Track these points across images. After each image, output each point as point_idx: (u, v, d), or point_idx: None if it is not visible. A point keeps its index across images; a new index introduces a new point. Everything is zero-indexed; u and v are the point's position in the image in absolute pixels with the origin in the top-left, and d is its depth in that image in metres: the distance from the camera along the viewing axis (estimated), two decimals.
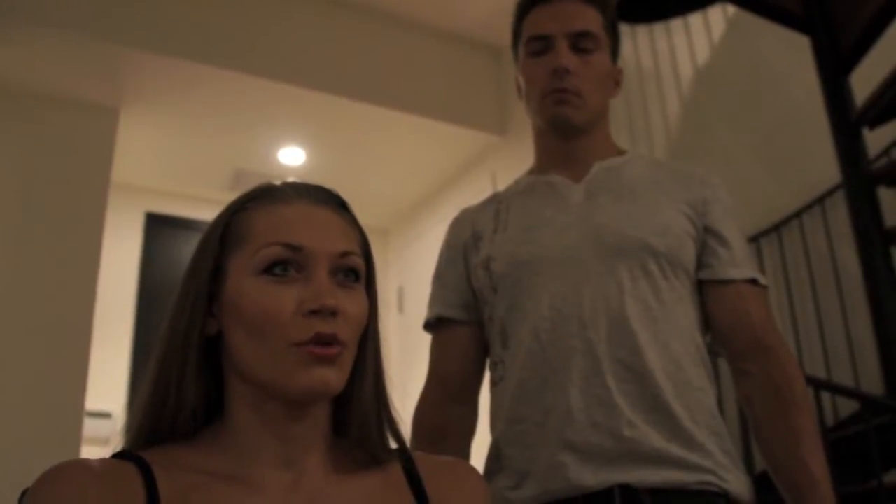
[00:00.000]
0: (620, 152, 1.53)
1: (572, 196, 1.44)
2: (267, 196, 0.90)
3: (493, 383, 1.43)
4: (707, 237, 1.40)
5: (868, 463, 2.65)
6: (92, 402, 3.82)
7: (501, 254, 1.42)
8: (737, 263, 1.39)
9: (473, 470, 0.99)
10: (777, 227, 3.94)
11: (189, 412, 0.85)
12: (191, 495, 0.80)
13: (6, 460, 3.24)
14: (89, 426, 3.78)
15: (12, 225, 3.81)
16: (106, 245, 4.03)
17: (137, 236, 5.14)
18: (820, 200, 3.74)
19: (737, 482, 1.28)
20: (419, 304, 2.70)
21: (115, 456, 0.84)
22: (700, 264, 1.40)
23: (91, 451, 3.05)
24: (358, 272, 0.89)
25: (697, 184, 1.44)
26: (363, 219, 0.96)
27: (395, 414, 0.94)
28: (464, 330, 1.49)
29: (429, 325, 1.54)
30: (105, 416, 4.38)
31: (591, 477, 1.24)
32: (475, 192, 3.96)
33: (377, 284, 0.96)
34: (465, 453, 1.45)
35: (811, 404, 1.38)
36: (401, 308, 5.30)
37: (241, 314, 0.84)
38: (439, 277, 1.55)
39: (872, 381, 3.20)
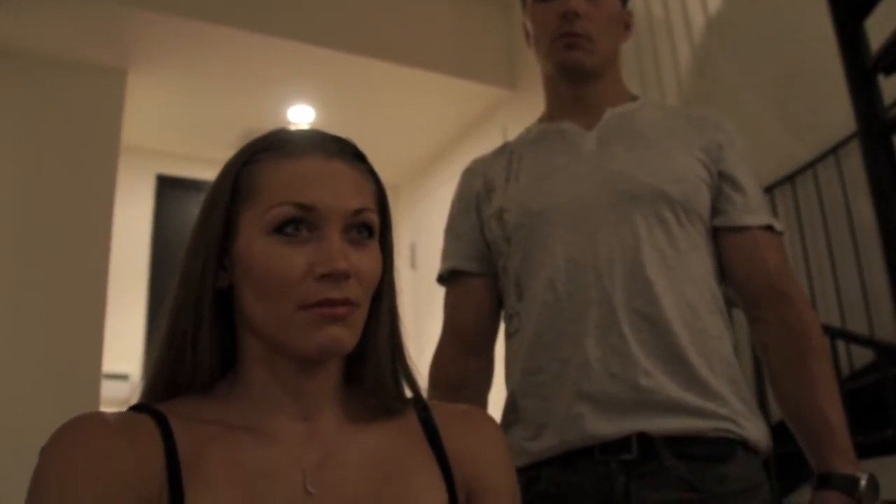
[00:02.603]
0: (632, 98, 1.50)
1: (584, 144, 1.42)
2: (278, 148, 0.87)
3: (509, 335, 1.43)
4: (721, 183, 1.38)
5: (884, 413, 2.65)
6: (109, 364, 3.85)
7: (514, 205, 1.40)
8: (752, 209, 1.37)
9: (489, 417, 0.99)
10: (791, 178, 3.90)
11: (206, 367, 0.85)
12: (207, 445, 0.80)
13: (25, 423, 3.26)
14: (107, 388, 3.81)
15: (23, 189, 3.81)
16: (118, 208, 4.03)
17: (149, 199, 5.16)
18: (834, 150, 3.69)
19: (754, 429, 1.28)
20: (431, 260, 2.70)
21: (132, 409, 0.84)
22: (715, 211, 1.38)
23: None
24: (372, 228, 0.87)
25: (711, 129, 1.41)
26: None
27: (410, 363, 0.94)
28: (478, 282, 1.48)
29: (442, 279, 1.52)
30: (122, 377, 4.42)
31: (607, 426, 1.24)
32: (486, 147, 3.91)
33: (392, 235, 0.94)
34: (482, 405, 1.45)
35: (828, 351, 1.37)
36: (413, 264, 5.30)
37: (250, 274, 0.83)
38: (452, 229, 1.53)
39: (887, 331, 3.18)
